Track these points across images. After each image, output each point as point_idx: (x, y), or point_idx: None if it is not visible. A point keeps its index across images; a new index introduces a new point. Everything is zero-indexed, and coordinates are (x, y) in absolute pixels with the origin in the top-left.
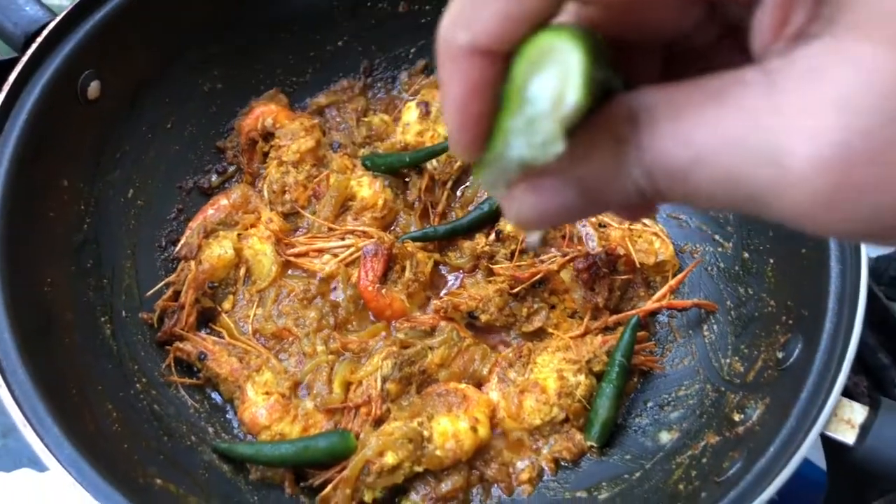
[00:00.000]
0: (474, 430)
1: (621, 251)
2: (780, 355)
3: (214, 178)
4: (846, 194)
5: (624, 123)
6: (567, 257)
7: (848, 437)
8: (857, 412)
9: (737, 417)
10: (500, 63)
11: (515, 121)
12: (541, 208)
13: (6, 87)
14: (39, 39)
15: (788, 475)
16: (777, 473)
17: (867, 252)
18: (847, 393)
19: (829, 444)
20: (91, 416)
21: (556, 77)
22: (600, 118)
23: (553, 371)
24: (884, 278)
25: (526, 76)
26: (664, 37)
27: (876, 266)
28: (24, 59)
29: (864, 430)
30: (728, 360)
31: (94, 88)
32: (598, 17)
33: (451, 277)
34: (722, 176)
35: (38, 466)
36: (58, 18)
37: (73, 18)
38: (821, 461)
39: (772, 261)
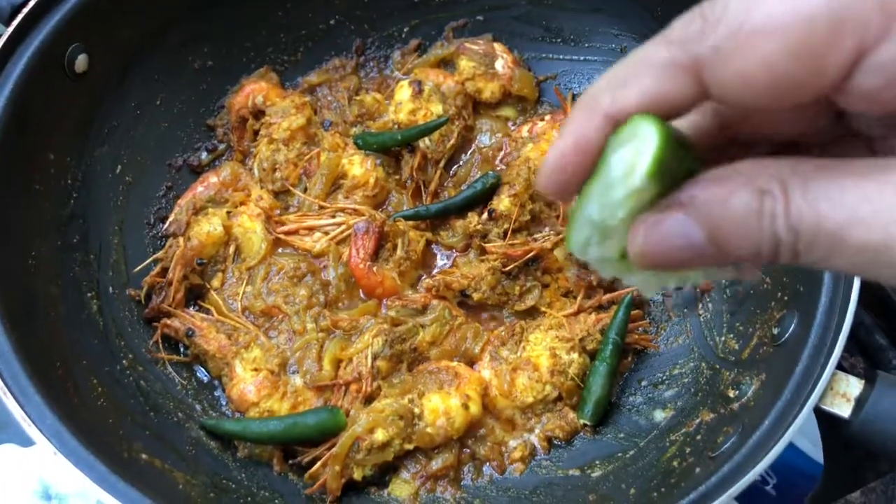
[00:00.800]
0: (466, 407)
1: None
2: (775, 331)
3: (204, 155)
4: None
5: (769, 180)
6: (560, 235)
7: (843, 410)
8: (853, 385)
9: (731, 394)
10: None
11: (597, 184)
12: (665, 243)
13: None
14: (25, 10)
15: (782, 447)
16: (771, 447)
17: None
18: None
19: (824, 417)
20: (75, 389)
21: (633, 151)
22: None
23: (546, 349)
24: None
25: (612, 148)
26: (787, 136)
27: None
28: (9, 30)
29: (860, 403)
30: (723, 338)
31: (81, 62)
32: (727, 120)
33: (443, 256)
34: (875, 240)
35: (23, 441)
36: None
37: None
38: (818, 456)
39: None
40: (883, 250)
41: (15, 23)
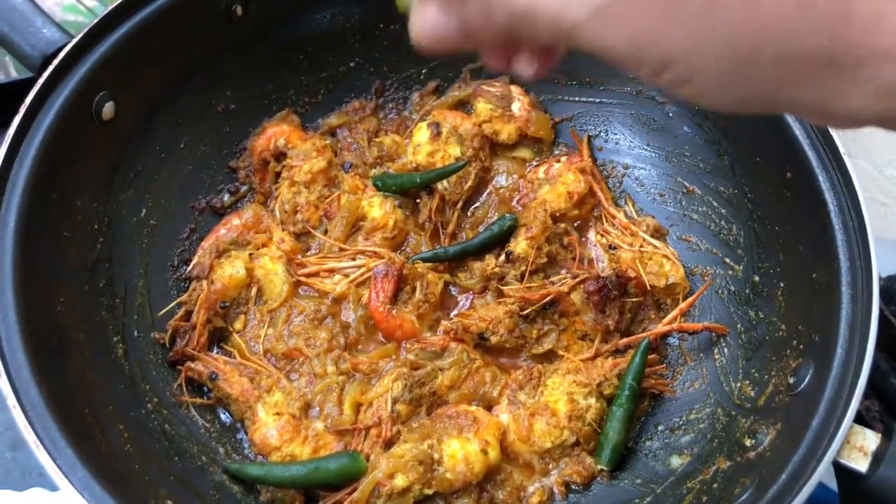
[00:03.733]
0: (485, 452)
1: (632, 273)
2: (791, 380)
3: (227, 197)
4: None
5: None
6: (577, 279)
7: (860, 464)
8: (870, 439)
9: (748, 442)
10: None
11: None
12: (428, 28)
13: (23, 107)
14: (56, 61)
15: (801, 502)
16: (790, 501)
17: (877, 273)
18: (859, 417)
19: (841, 471)
20: (103, 437)
21: None
22: None
23: (563, 394)
24: (895, 300)
25: None
26: None
27: (886, 286)
28: (41, 81)
29: (877, 457)
30: (739, 384)
31: (108, 109)
32: None
33: (461, 298)
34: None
35: (50, 485)
36: (74, 40)
37: (88, 40)
38: (832, 482)
39: (782, 284)
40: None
41: (46, 73)
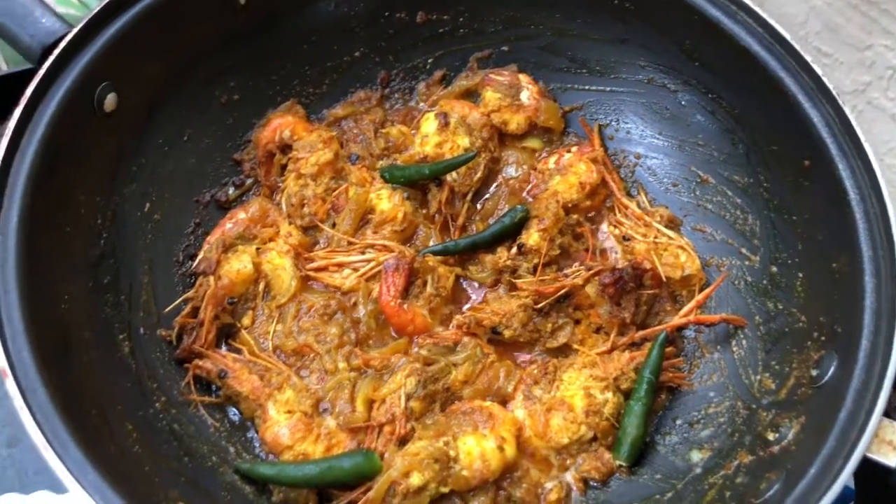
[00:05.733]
0: (501, 449)
1: (647, 265)
2: (814, 373)
3: (232, 191)
4: None
5: None
6: (592, 271)
7: (891, 459)
8: None
9: (771, 436)
10: None
11: None
12: None
13: (23, 99)
14: (56, 51)
15: (832, 499)
16: (820, 497)
17: None
18: (886, 411)
19: (865, 465)
20: (112, 438)
21: None
22: None
23: (580, 388)
24: None
25: None
26: None
27: None
28: (41, 72)
29: None
30: (758, 377)
31: (110, 101)
32: None
33: (473, 292)
34: None
35: (57, 488)
36: (74, 30)
37: (89, 30)
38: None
39: (801, 275)
40: None
41: (46, 64)
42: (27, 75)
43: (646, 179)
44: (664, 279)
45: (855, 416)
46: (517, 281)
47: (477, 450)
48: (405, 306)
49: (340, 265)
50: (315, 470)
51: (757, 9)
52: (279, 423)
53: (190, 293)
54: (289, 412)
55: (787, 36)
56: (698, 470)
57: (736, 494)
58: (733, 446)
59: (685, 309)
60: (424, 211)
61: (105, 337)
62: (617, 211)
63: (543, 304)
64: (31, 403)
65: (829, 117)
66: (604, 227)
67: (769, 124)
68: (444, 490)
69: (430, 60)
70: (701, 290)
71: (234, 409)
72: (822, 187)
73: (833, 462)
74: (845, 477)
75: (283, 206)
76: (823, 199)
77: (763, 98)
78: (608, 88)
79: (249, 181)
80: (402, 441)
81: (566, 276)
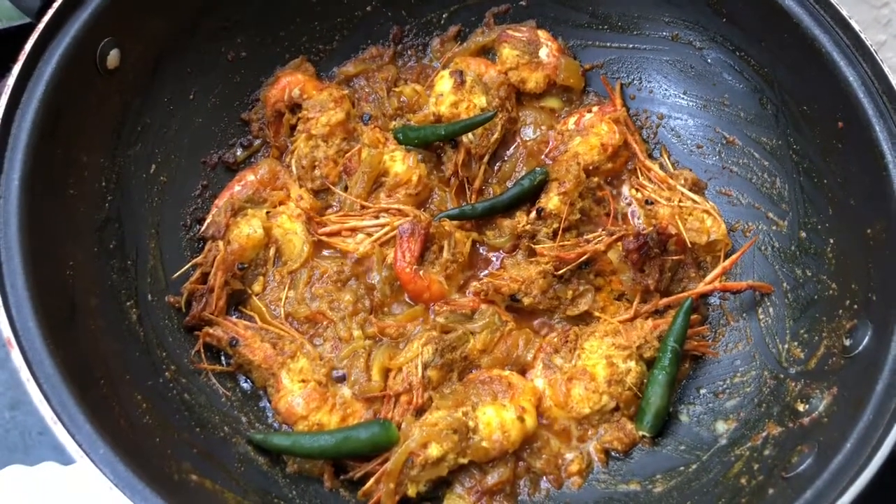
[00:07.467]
0: (521, 419)
1: (672, 230)
2: (847, 342)
3: (240, 152)
4: None
5: None
6: (614, 236)
7: None
8: None
9: (801, 408)
10: None
11: None
12: None
13: (22, 56)
14: (56, 5)
15: (871, 474)
16: (858, 472)
17: None
18: None
19: None
20: (121, 409)
21: None
22: None
23: (602, 357)
24: None
25: None
26: None
27: None
28: (40, 27)
29: None
30: (786, 346)
31: (113, 57)
32: None
33: (491, 257)
34: None
35: (63, 459)
36: None
37: None
38: None
39: (832, 240)
40: None
41: (45, 19)
42: (25, 31)
43: (669, 141)
44: (689, 245)
45: (893, 388)
46: (536, 246)
47: (496, 420)
48: (421, 273)
49: (354, 230)
50: (331, 441)
51: None
52: (293, 393)
53: (198, 258)
54: (303, 381)
55: None
56: (724, 441)
57: (765, 467)
58: (760, 417)
59: (710, 275)
60: (440, 174)
61: (112, 304)
62: (639, 174)
63: (564, 270)
64: (38, 375)
65: (865, 77)
66: (625, 190)
67: (800, 83)
68: (463, 461)
69: (444, 15)
70: (726, 255)
71: (245, 379)
72: (855, 150)
73: (871, 435)
74: (885, 451)
75: (294, 169)
76: (857, 163)
77: (795, 56)
78: (631, 45)
79: (258, 142)
80: (420, 411)
81: (587, 241)
